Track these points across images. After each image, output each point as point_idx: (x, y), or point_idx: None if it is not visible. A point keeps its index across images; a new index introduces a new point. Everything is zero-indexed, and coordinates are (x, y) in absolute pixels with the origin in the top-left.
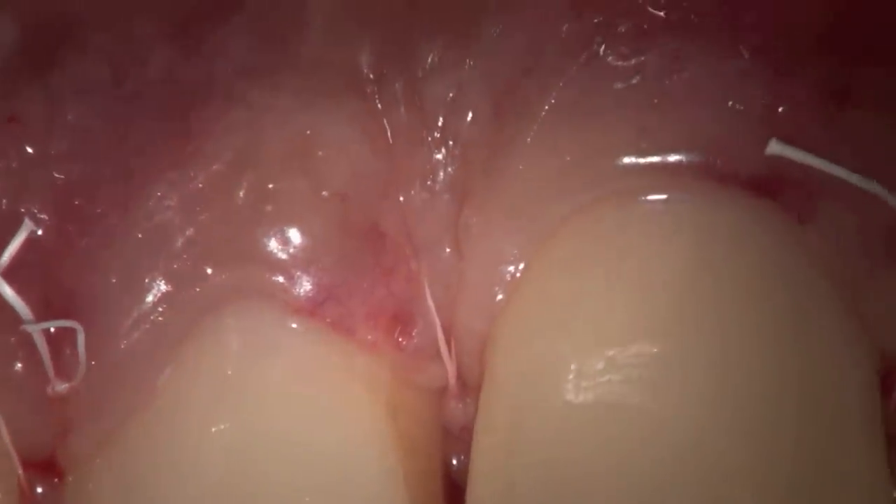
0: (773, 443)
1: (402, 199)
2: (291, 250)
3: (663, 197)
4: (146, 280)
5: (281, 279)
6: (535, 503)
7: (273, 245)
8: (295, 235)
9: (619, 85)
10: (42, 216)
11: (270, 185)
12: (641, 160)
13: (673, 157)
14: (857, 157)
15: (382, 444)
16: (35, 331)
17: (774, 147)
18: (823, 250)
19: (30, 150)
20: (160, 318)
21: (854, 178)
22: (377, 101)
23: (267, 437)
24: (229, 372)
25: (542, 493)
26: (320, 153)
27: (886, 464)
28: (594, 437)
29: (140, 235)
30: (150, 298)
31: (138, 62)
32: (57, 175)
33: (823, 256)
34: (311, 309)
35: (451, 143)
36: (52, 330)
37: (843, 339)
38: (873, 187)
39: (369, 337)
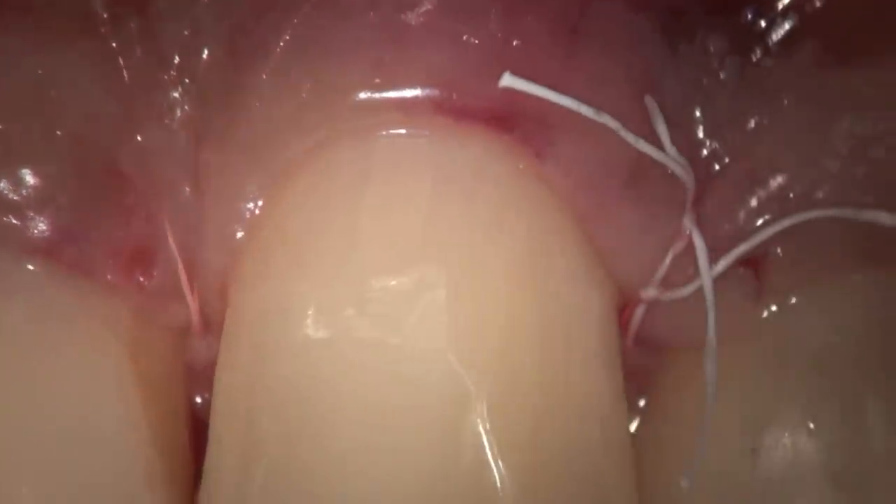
0: (514, 373)
1: (139, 138)
2: (25, 192)
3: (401, 132)
4: None
5: (15, 220)
6: (276, 439)
7: (5, 186)
8: (28, 176)
9: (353, 21)
10: None
11: (1, 127)
12: (377, 96)
13: (409, 93)
14: (590, 90)
15: (123, 385)
16: None
17: (508, 80)
18: (561, 184)
19: None
20: None
21: (586, 111)
22: (111, 40)
23: (2, 382)
24: None
25: (283, 429)
26: (53, 93)
27: (624, 396)
28: (335, 373)
29: None
30: None
31: None
32: None
33: (561, 190)
34: (47, 250)
35: (187, 81)
36: None
37: (582, 271)
38: (606, 120)
39: (109, 277)
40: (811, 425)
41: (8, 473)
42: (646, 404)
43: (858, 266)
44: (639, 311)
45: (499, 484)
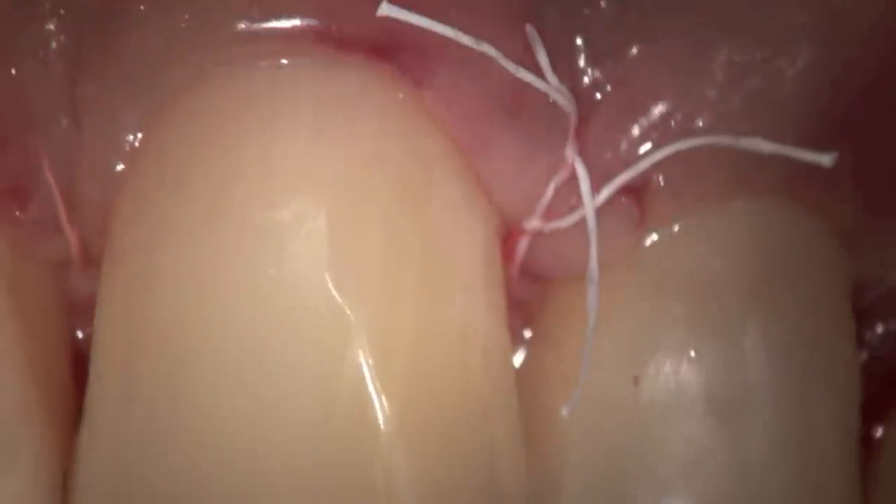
0: (395, 303)
1: (13, 72)
2: None
3: (281, 62)
4: None
5: None
6: (156, 373)
7: None
8: None
9: None
10: None
11: None
12: (256, 26)
13: (288, 23)
14: (470, 19)
15: None
16: None
17: (386, 9)
18: (442, 113)
19: None
20: None
21: (466, 40)
22: None
23: None
24: None
25: (163, 363)
26: None
27: (506, 326)
28: (214, 305)
29: None
30: None
31: None
32: None
33: (442, 119)
34: None
35: (62, 12)
36: None
37: (463, 200)
38: (486, 48)
39: None
40: (692, 353)
41: None
42: (531, 335)
43: (738, 193)
44: (523, 242)
45: (380, 415)
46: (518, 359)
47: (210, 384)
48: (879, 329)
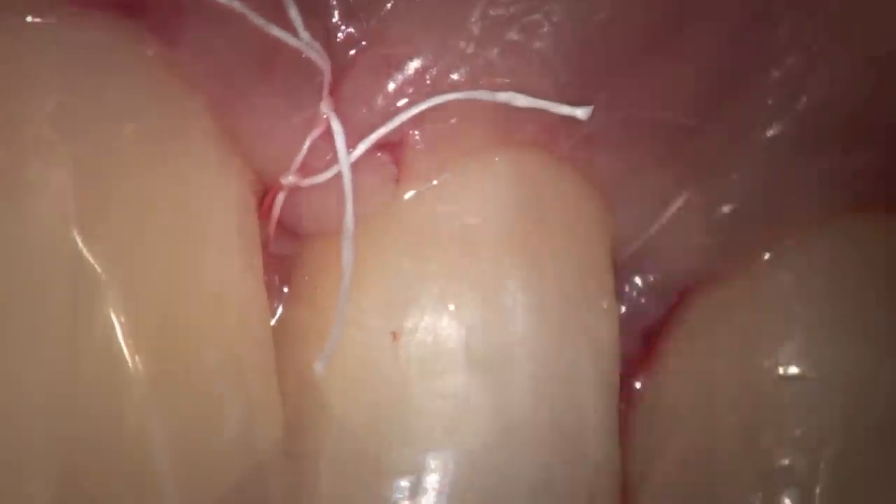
0: (145, 259)
1: None
2: None
3: (26, 19)
4: None
5: None
6: None
7: None
8: None
9: None
10: None
11: None
12: None
13: None
14: None
15: None
16: None
17: None
18: (193, 70)
19: None
20: None
21: None
22: None
23: None
24: None
25: None
26: None
27: (262, 282)
28: None
29: None
30: None
31: None
32: None
33: (193, 76)
34: None
35: None
36: None
37: (216, 158)
38: (235, 5)
39: None
40: (451, 307)
41: None
42: (289, 291)
43: (497, 148)
44: (279, 198)
45: (132, 372)
46: (276, 315)
47: None
48: (638, 283)
